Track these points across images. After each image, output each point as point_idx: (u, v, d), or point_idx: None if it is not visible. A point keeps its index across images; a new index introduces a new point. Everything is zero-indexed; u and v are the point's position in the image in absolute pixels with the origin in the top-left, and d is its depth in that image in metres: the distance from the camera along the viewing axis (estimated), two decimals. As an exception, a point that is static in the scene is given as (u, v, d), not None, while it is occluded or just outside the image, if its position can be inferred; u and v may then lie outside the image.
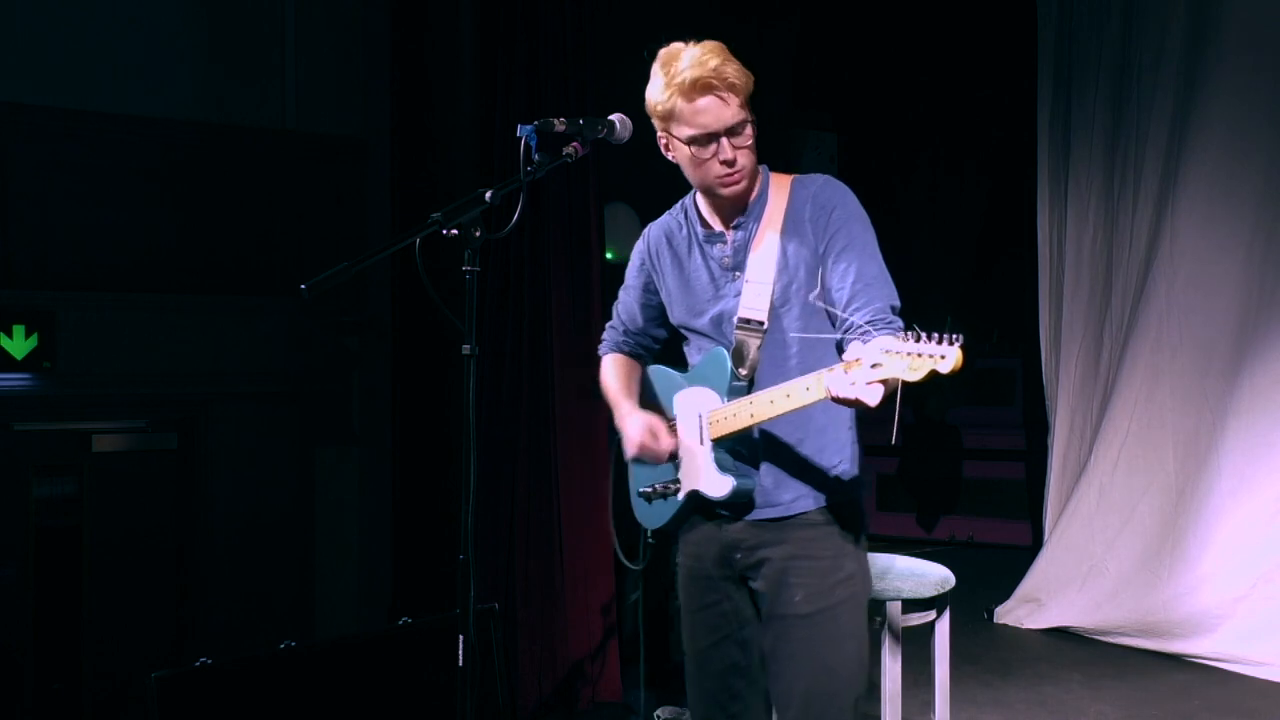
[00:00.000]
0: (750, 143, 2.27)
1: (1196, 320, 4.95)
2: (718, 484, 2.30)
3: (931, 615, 3.39)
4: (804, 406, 2.08)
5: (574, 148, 2.32)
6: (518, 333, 4.31)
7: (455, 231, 2.17)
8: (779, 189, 2.35)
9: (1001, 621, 5.47)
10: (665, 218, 2.51)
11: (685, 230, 2.44)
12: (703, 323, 2.39)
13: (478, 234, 2.18)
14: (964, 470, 7.45)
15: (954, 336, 1.81)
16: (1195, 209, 4.97)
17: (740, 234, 2.35)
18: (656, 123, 2.31)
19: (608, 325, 2.68)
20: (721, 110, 2.21)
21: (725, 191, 2.30)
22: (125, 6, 4.64)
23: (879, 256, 2.28)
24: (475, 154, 4.55)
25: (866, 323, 2.15)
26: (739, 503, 2.32)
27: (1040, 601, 5.38)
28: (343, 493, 4.96)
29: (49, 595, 4.07)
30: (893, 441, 2.02)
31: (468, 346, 2.21)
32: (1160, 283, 5.05)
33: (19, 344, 4.00)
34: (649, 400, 2.53)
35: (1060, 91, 5.56)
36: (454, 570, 2.26)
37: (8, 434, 4.12)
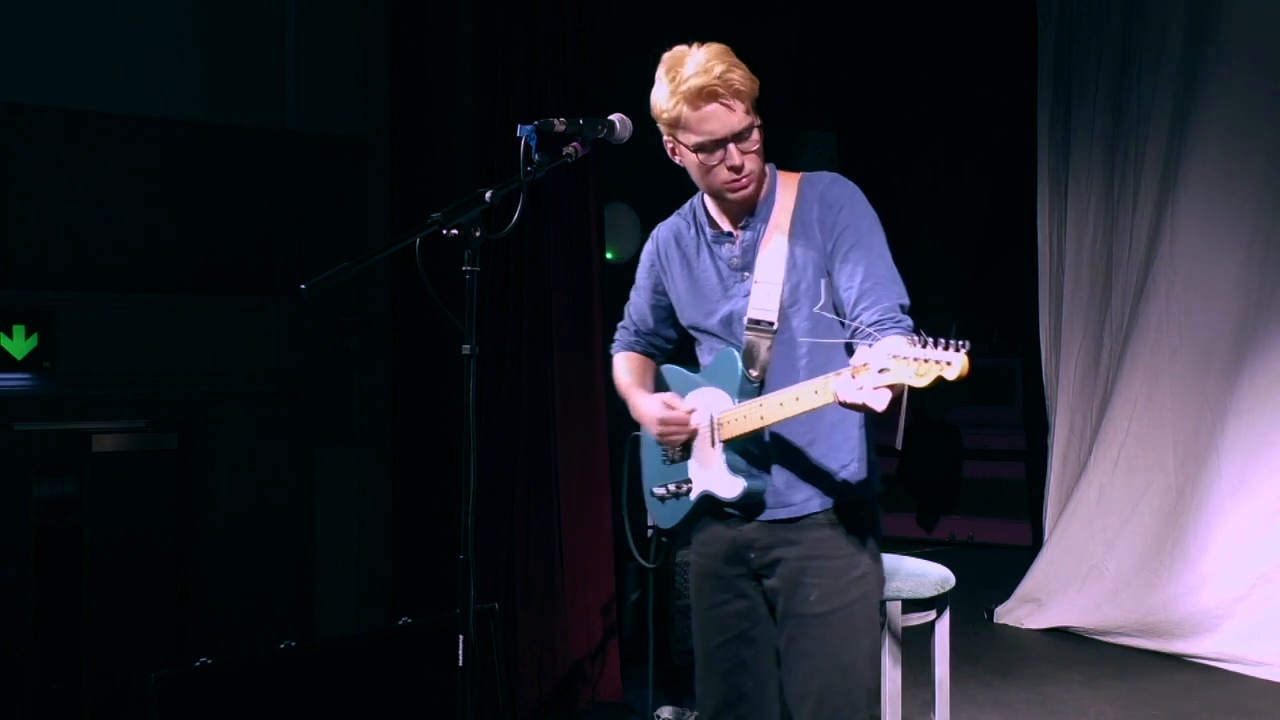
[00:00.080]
0: (757, 147, 2.27)
1: (1196, 320, 4.95)
2: (729, 485, 2.31)
3: (931, 615, 3.39)
4: (813, 410, 2.08)
5: (574, 148, 2.32)
6: (518, 333, 4.31)
7: (455, 231, 2.17)
8: (787, 188, 2.35)
9: (1001, 621, 5.47)
10: (673, 218, 2.51)
11: (693, 231, 2.44)
12: (713, 323, 2.39)
13: (478, 234, 2.18)
14: (964, 470, 7.46)
15: (961, 343, 1.81)
16: (1195, 209, 4.97)
17: (748, 234, 2.35)
18: (662, 128, 2.31)
19: (619, 325, 2.69)
20: (728, 117, 2.21)
21: (734, 196, 2.30)
22: (125, 6, 4.64)
23: (888, 255, 2.28)
24: (475, 154, 4.55)
25: (875, 322, 2.15)
26: (750, 504, 2.33)
27: (1040, 601, 5.38)
28: (343, 493, 4.96)
29: (49, 595, 4.07)
30: (897, 447, 2.03)
31: (468, 346, 2.21)
32: (1160, 283, 5.06)
33: (19, 344, 4.00)
34: None
35: (1060, 91, 5.56)
36: (454, 570, 2.26)
37: (8, 434, 4.12)
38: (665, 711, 4.17)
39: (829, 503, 2.32)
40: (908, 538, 7.28)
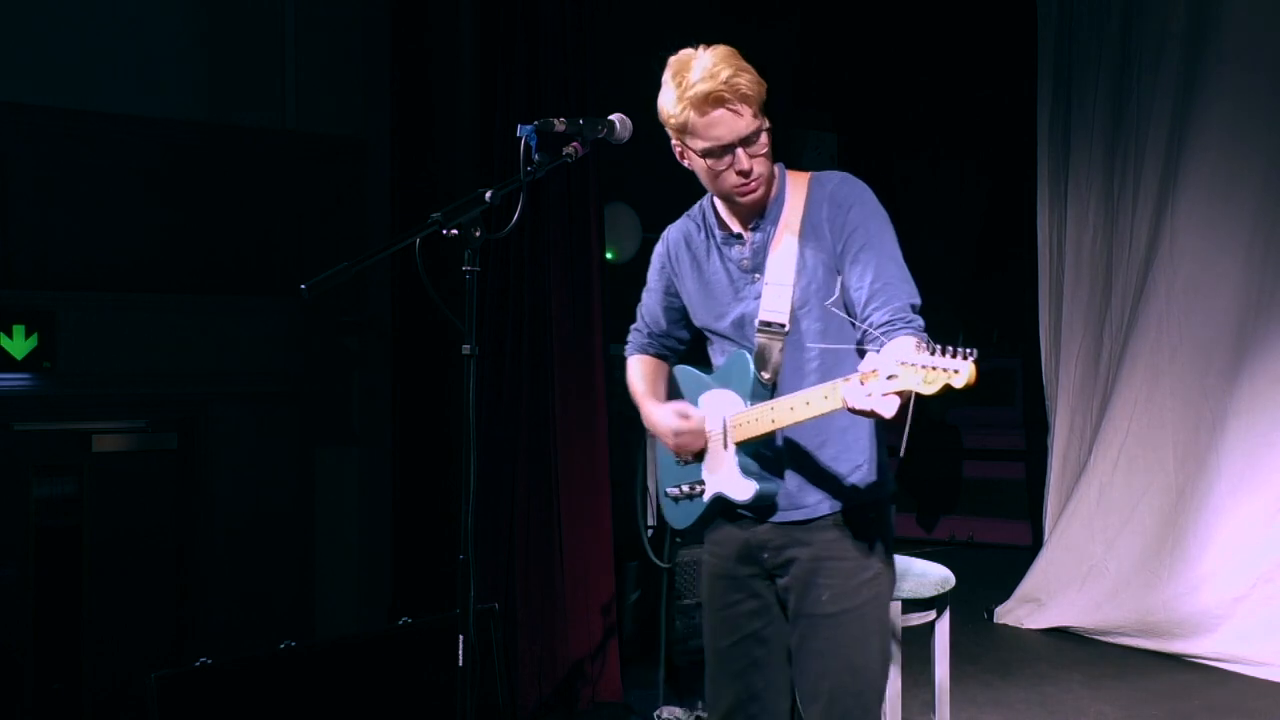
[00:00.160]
0: (765, 150, 2.26)
1: (1196, 320, 4.95)
2: (741, 488, 2.32)
3: (931, 615, 3.39)
4: (823, 414, 2.08)
5: (574, 148, 2.32)
6: (518, 333, 4.31)
7: (455, 231, 2.17)
8: (796, 188, 2.34)
9: (1001, 621, 5.47)
10: (683, 220, 2.51)
11: (703, 233, 2.44)
12: (724, 325, 2.39)
13: (478, 234, 2.19)
14: (964, 470, 7.46)
15: (969, 351, 1.82)
16: (1195, 209, 4.97)
17: (758, 236, 2.34)
18: (670, 132, 2.30)
19: (632, 327, 2.69)
20: (735, 122, 2.20)
21: (743, 201, 2.30)
22: (125, 6, 4.64)
23: (898, 255, 2.28)
24: (475, 154, 4.55)
25: (885, 322, 2.15)
26: (762, 506, 2.34)
27: (1040, 601, 5.38)
28: (343, 493, 4.96)
29: (49, 595, 4.06)
30: (901, 454, 2.04)
31: (468, 346, 2.21)
32: (1160, 283, 5.06)
33: (19, 344, 4.00)
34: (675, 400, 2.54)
35: (1060, 92, 5.56)
36: (454, 570, 2.26)
37: (8, 434, 4.12)
38: (665, 711, 4.17)
39: (841, 505, 2.33)
40: (908, 538, 7.27)
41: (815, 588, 2.31)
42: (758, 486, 2.30)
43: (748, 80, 2.20)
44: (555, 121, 2.30)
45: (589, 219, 4.43)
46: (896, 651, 3.29)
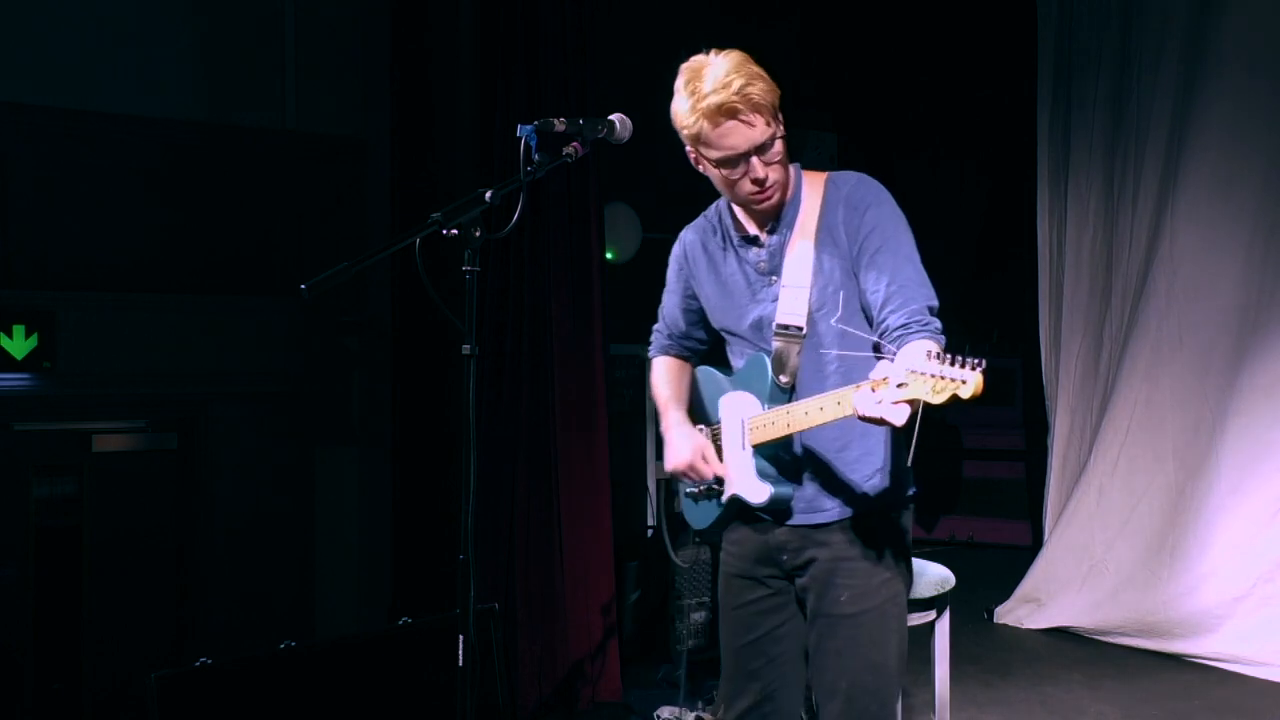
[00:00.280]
0: (780, 157, 2.26)
1: (1196, 320, 4.95)
2: (757, 491, 2.33)
3: (931, 615, 3.39)
4: (837, 419, 2.09)
5: (574, 148, 2.32)
6: (518, 333, 4.31)
7: (455, 231, 2.17)
8: (813, 190, 2.34)
9: (1001, 621, 5.47)
10: (700, 220, 2.51)
11: (719, 235, 2.44)
12: (743, 328, 2.40)
13: (478, 234, 2.19)
14: (964, 470, 7.46)
15: (976, 361, 1.83)
16: (1195, 209, 4.97)
17: (775, 238, 2.34)
18: (684, 139, 2.30)
19: (654, 328, 2.70)
20: (748, 132, 2.20)
21: (759, 208, 2.31)
22: (125, 6, 4.64)
23: (915, 256, 2.27)
24: (475, 154, 4.55)
25: (901, 325, 2.15)
26: (778, 509, 2.34)
27: (1040, 601, 5.38)
28: (343, 493, 4.96)
29: (49, 595, 4.06)
30: (907, 464, 2.04)
31: (468, 346, 2.21)
32: (1160, 283, 5.06)
33: (19, 344, 4.00)
34: (696, 402, 2.55)
35: (1060, 92, 5.56)
36: (454, 570, 2.26)
37: (8, 434, 4.12)
38: (665, 711, 4.17)
39: (862, 507, 2.33)
40: (908, 538, 7.27)
41: (834, 588, 2.31)
42: (772, 490, 2.31)
43: (760, 89, 2.19)
44: (555, 121, 2.30)
45: (589, 219, 4.42)
46: (897, 651, 3.29)
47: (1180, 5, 5.03)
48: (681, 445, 2.44)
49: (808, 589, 2.36)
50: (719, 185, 2.32)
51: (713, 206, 2.49)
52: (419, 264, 2.20)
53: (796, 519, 2.34)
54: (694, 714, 4.13)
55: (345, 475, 4.97)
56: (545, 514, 4.29)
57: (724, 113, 2.18)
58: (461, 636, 2.23)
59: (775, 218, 2.34)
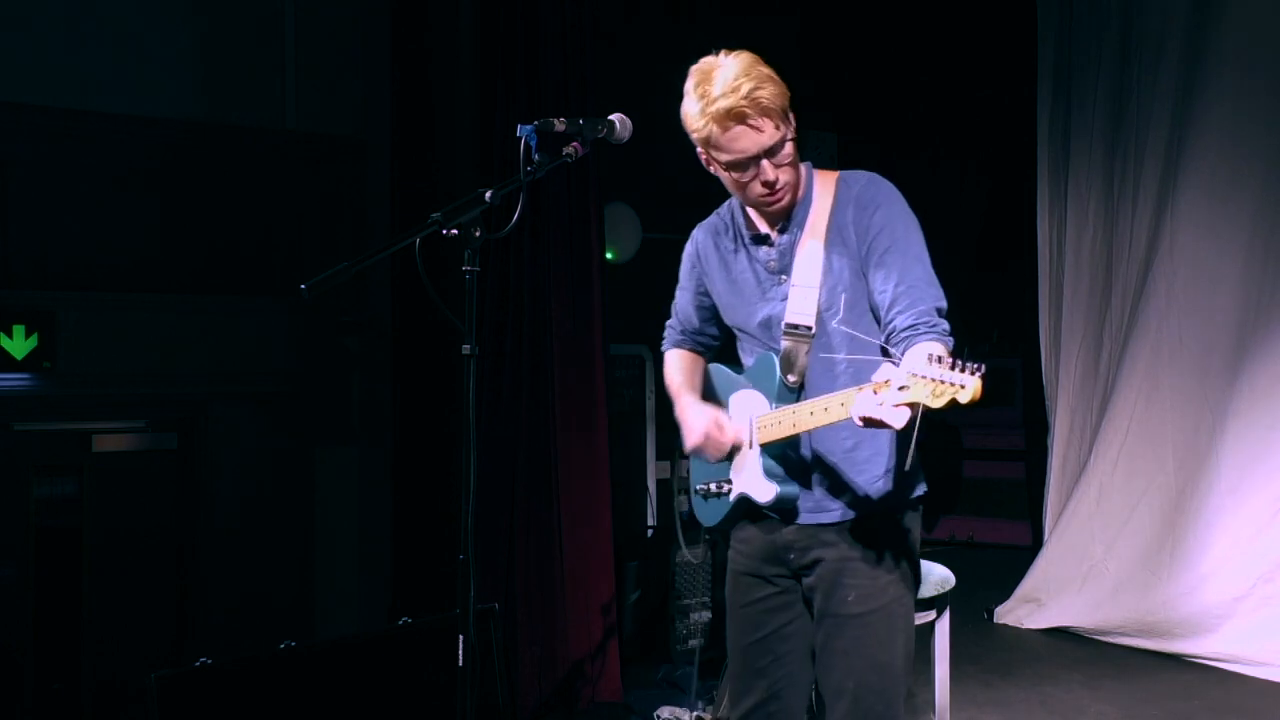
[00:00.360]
0: (790, 159, 2.26)
1: (1196, 320, 4.95)
2: (763, 490, 2.33)
3: (931, 615, 3.39)
4: (841, 421, 2.09)
5: (574, 148, 2.32)
6: (518, 333, 4.31)
7: (455, 231, 2.17)
8: (824, 189, 2.35)
9: (1001, 621, 5.47)
10: (712, 219, 2.52)
11: (731, 233, 2.45)
12: (753, 326, 2.40)
13: (478, 234, 2.19)
14: (964, 470, 7.45)
15: (976, 365, 1.83)
16: (1195, 210, 4.97)
17: (785, 238, 2.35)
18: (694, 141, 2.29)
19: (667, 324, 2.71)
20: (757, 136, 2.20)
21: (770, 210, 2.32)
22: (125, 6, 4.64)
23: (925, 256, 2.27)
24: (475, 154, 4.55)
25: (909, 326, 2.15)
26: (784, 509, 2.34)
27: (1040, 601, 5.38)
28: (343, 493, 4.95)
29: (49, 595, 4.06)
30: (906, 467, 2.04)
31: (468, 346, 2.21)
32: (1160, 283, 5.06)
33: (19, 344, 4.00)
34: (708, 398, 2.56)
35: (1060, 92, 5.56)
36: (454, 570, 2.26)
37: (8, 434, 4.12)
38: (665, 711, 4.17)
39: (869, 507, 2.33)
40: (908, 538, 7.26)
41: (841, 588, 2.32)
42: (778, 489, 2.31)
43: (769, 92, 2.19)
44: (555, 121, 2.30)
45: (589, 219, 4.42)
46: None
47: (1180, 5, 5.03)
48: (696, 420, 2.43)
49: (815, 588, 2.36)
50: (730, 187, 2.33)
51: (725, 205, 2.49)
52: (419, 264, 2.20)
53: (804, 518, 2.34)
54: (695, 714, 4.13)
55: (345, 475, 4.97)
56: (545, 514, 4.29)
57: (733, 117, 2.18)
58: (461, 636, 2.23)
59: (786, 217, 2.35)
